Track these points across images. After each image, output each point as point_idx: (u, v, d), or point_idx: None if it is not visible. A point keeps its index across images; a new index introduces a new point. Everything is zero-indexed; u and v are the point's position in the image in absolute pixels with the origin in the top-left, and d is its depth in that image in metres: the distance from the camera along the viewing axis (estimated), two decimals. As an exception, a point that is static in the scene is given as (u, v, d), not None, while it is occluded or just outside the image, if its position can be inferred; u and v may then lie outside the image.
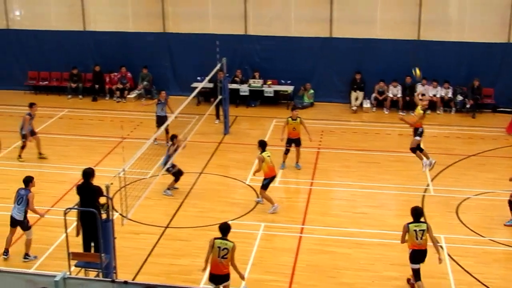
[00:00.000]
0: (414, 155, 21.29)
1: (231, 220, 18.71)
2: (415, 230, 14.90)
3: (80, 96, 31.36)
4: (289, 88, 30.02)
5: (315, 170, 22.69)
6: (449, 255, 17.08)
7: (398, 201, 20.74)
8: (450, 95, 28.90)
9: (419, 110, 20.82)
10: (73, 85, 31.40)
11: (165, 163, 20.16)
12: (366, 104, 29.50)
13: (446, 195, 20.64)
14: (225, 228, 14.39)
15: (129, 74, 31.38)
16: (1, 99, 31.14)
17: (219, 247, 14.09)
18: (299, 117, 22.65)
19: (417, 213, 15.06)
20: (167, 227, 18.59)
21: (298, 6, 30.11)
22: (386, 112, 28.99)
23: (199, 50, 30.47)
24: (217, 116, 27.31)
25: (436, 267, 15.59)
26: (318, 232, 18.32)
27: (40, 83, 32.28)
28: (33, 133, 23.35)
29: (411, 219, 15.04)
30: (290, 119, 22.56)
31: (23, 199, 16.86)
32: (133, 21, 31.68)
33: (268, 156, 19.43)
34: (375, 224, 18.64)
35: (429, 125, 26.53)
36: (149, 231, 18.31)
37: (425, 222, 15.11)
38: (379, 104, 29.41)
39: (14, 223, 16.99)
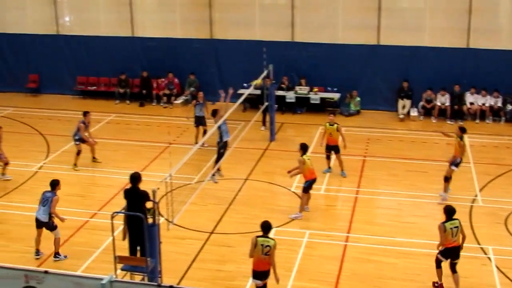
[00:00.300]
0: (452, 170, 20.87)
1: (276, 227, 18.71)
2: (451, 228, 15.30)
3: (128, 102, 31.65)
4: (335, 96, 29.92)
5: (360, 178, 22.56)
6: (497, 267, 16.84)
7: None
8: (499, 104, 28.51)
9: (457, 140, 20.63)
10: (121, 91, 31.71)
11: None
12: (414, 113, 29.25)
13: (494, 206, 20.36)
14: (266, 227, 14.78)
15: (176, 80, 31.57)
16: (51, 103, 31.63)
17: (262, 245, 14.48)
18: (336, 123, 22.55)
19: (450, 212, 15.47)
20: (212, 232, 18.64)
21: (346, 13, 30.02)
22: (434, 121, 28.70)
23: (246, 57, 30.53)
24: (263, 123, 27.35)
25: (484, 279, 15.41)
26: (363, 240, 18.21)
27: (89, 88, 32.65)
28: (83, 141, 23.49)
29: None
30: (327, 124, 22.54)
31: (48, 201, 17.12)
32: (181, 28, 31.90)
33: (309, 159, 19.48)
34: (422, 234, 18.44)
35: (478, 134, 26.29)
36: (194, 237, 18.37)
37: (457, 219, 15.48)
38: (427, 113, 29.13)
39: (39, 224, 17.27)
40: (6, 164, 22.55)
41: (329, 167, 22.84)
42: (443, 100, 28.74)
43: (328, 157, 22.83)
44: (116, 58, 32.34)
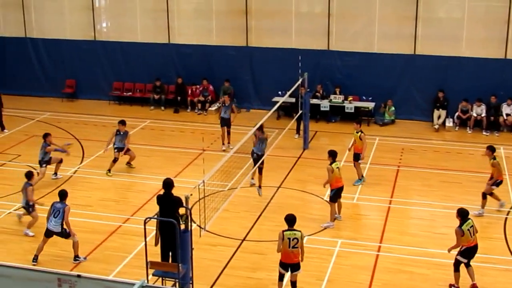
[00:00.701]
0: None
1: (307, 235, 18.70)
2: (468, 230, 15.80)
3: (162, 108, 31.83)
4: (370, 105, 29.81)
5: (394, 188, 22.44)
6: (531, 280, 16.68)
7: (480, 223, 20.27)
8: (538, 115, 28.26)
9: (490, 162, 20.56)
10: (156, 97, 31.89)
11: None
12: (449, 123, 29.04)
13: (529, 218, 20.16)
14: (291, 219, 15.45)
15: (211, 87, 31.68)
16: (87, 108, 31.93)
17: (289, 238, 15.09)
18: (361, 131, 22.43)
19: (464, 213, 15.99)
20: (244, 240, 18.66)
21: (382, 23, 29.90)
22: (469, 132, 28.46)
23: (281, 65, 30.58)
24: (297, 131, 27.35)
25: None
26: (395, 251, 18.11)
27: (124, 94, 32.89)
28: (121, 149, 23.74)
29: (492, 242, 14.92)
30: (355, 131, 22.55)
31: (60, 212, 17.22)
32: (216, 35, 32.01)
33: (337, 167, 19.43)
34: (455, 245, 18.30)
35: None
36: (226, 243, 18.41)
37: (469, 218, 16.03)
38: (462, 123, 28.90)
39: (49, 234, 17.43)
40: (60, 162, 22.92)
41: (362, 176, 22.82)
42: (479, 111, 28.49)
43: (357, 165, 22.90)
44: (152, 64, 32.56)
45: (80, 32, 33.38)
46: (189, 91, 31.81)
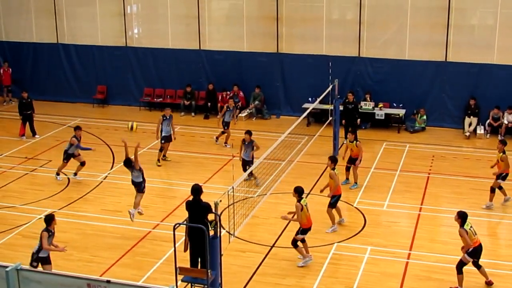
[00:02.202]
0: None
1: (337, 242, 18.67)
2: (470, 229, 16.16)
3: (193, 114, 31.95)
4: (401, 112, 29.67)
5: (424, 195, 22.32)
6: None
7: (511, 230, 20.18)
8: None
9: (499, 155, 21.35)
10: (187, 103, 32.02)
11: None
12: (480, 130, 28.83)
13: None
14: (301, 190, 17.46)
15: (241, 93, 31.75)
16: (117, 114, 32.15)
17: (305, 205, 17.39)
18: (356, 140, 22.87)
19: (464, 216, 16.24)
20: (273, 246, 18.66)
21: (414, 30, 29.78)
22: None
23: (311, 71, 30.61)
24: (346, 137, 27.54)
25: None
26: (425, 258, 18.01)
27: (155, 100, 33.07)
28: (169, 138, 25.14)
29: None
30: (348, 141, 23.07)
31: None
32: (247, 41, 32.08)
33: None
34: (485, 253, 17.97)
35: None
36: (255, 250, 18.42)
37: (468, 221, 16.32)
38: (494, 131, 28.69)
39: None
40: (82, 164, 23.13)
41: (348, 179, 23.20)
42: (510, 118, 28.27)
43: (348, 169, 23.20)
44: (183, 70, 32.72)
45: (112, 38, 33.65)
46: (220, 97, 31.90)
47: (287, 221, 18.53)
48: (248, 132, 22.65)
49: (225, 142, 27.06)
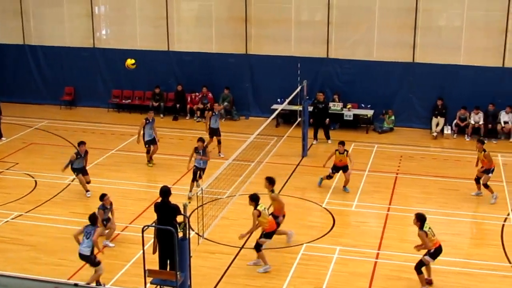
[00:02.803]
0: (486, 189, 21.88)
1: (306, 242, 18.71)
2: (429, 230, 16.19)
3: (162, 115, 31.83)
4: (369, 112, 29.83)
5: (392, 195, 22.45)
6: (529, 287, 16.71)
7: (478, 229, 20.40)
8: (534, 123, 28.31)
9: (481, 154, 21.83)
10: (155, 104, 31.89)
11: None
12: (447, 131, 29.09)
13: (527, 226, 20.19)
14: (257, 198, 17.09)
15: (210, 95, 31.70)
16: (85, 116, 31.94)
17: (263, 209, 17.14)
18: (346, 151, 22.53)
19: (423, 218, 16.22)
20: (242, 247, 18.62)
21: (382, 31, 29.97)
22: (467, 139, 28.49)
23: (280, 72, 30.68)
24: (315, 137, 28.03)
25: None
26: (394, 258, 18.10)
27: (123, 101, 32.91)
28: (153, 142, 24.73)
29: (490, 249, 14.98)
30: (337, 152, 22.49)
31: (91, 233, 16.28)
32: (216, 42, 32.06)
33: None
34: (453, 252, 18.28)
35: (510, 153, 26.14)
36: (224, 251, 18.39)
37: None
38: (461, 131, 28.95)
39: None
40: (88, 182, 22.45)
41: (322, 179, 23.00)
42: (476, 118, 28.54)
43: (330, 177, 22.79)
44: (151, 71, 32.56)
45: (79, 39, 33.45)
46: (189, 99, 31.84)
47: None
48: (201, 140, 22.19)
49: (219, 152, 26.01)
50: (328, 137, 27.98)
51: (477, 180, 22.04)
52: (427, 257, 16.28)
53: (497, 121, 28.53)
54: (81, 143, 22.19)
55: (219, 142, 25.87)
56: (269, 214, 17.74)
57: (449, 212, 21.09)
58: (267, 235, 17.38)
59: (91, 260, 16.30)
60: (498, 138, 28.41)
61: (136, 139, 24.73)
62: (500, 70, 28.78)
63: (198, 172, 22.01)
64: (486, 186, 21.71)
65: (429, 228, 16.22)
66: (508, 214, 20.90)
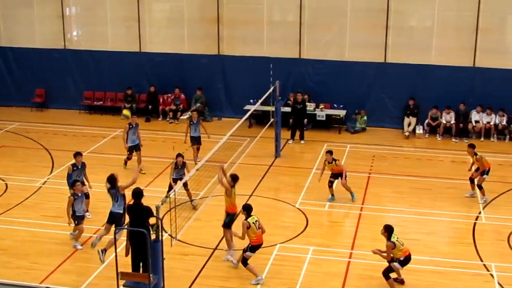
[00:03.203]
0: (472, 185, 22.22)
1: (280, 243, 18.71)
2: (397, 241, 16.33)
3: (134, 117, 31.60)
4: (342, 112, 29.91)
5: (365, 195, 22.51)
6: (499, 284, 16.80)
7: (450, 228, 20.50)
8: (504, 122, 28.47)
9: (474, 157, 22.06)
10: (127, 105, 31.71)
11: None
12: (419, 130, 29.25)
13: (498, 223, 20.33)
14: (249, 208, 16.93)
15: (182, 96, 31.62)
16: (57, 118, 31.68)
17: (253, 223, 16.65)
18: (334, 160, 21.61)
19: (391, 229, 16.37)
20: (216, 248, 18.58)
21: (354, 32, 30.08)
22: (439, 139, 28.70)
23: (253, 73, 30.67)
24: (292, 137, 28.16)
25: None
26: (367, 257, 18.13)
27: (95, 103, 32.71)
28: (136, 148, 24.19)
29: (462, 247, 15.10)
30: (326, 162, 21.80)
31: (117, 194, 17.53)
32: (188, 43, 31.99)
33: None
34: (426, 251, 18.39)
35: (483, 152, 26.09)
36: (197, 253, 18.32)
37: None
38: (432, 130, 29.13)
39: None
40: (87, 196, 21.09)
41: (333, 195, 21.95)
42: (448, 118, 28.73)
43: (331, 185, 21.93)
44: (123, 73, 32.44)
45: (50, 41, 33.19)
46: (161, 100, 31.73)
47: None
48: (181, 155, 21.33)
49: (196, 157, 24.53)
50: (302, 138, 28.03)
51: (472, 180, 22.13)
52: (396, 264, 16.33)
53: (468, 120, 28.74)
54: (77, 154, 20.82)
55: (197, 149, 24.88)
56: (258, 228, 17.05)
57: (422, 211, 21.20)
58: (252, 248, 16.86)
59: (123, 218, 17.28)
60: (469, 137, 28.60)
61: (124, 145, 23.96)
62: (471, 69, 29.00)
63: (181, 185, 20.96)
64: (479, 187, 21.80)
65: (397, 239, 16.34)
66: (480, 213, 21.06)
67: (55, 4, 32.63)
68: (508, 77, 28.63)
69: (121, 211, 17.40)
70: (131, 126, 24.01)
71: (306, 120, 28.11)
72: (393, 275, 16.45)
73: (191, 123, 24.94)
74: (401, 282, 16.69)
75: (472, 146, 22.09)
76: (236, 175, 18.20)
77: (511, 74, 28.63)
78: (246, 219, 16.86)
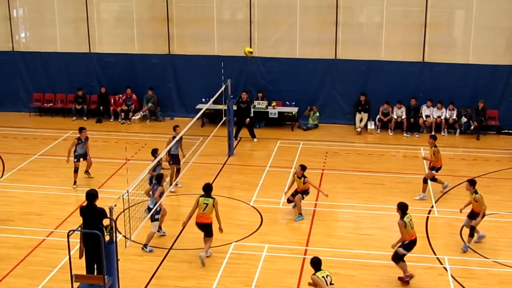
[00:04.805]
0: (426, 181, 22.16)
1: (235, 241, 18.71)
2: (409, 221, 16.28)
3: (85, 118, 31.39)
4: (294, 110, 30.03)
5: (319, 191, 22.59)
6: (453, 276, 17.01)
7: (416, 223, 20.70)
8: (454, 116, 28.88)
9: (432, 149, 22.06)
10: (78, 107, 31.43)
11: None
12: (371, 126, 29.50)
13: (450, 217, 20.58)
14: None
15: (134, 96, 31.43)
16: (6, 121, 31.23)
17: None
18: (304, 176, 20.51)
19: (404, 207, 16.39)
20: (170, 248, 18.53)
21: (304, 29, 30.22)
22: (391, 134, 29.00)
23: (204, 72, 30.63)
24: (254, 136, 28.28)
25: (441, 289, 15.56)
26: (322, 253, 18.12)
27: (45, 105, 32.34)
28: (85, 156, 23.44)
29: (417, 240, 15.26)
30: (296, 176, 20.79)
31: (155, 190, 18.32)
32: (138, 43, 31.80)
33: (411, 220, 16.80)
34: (380, 245, 18.52)
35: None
36: (152, 253, 18.25)
37: (408, 213, 16.46)
38: (384, 126, 29.42)
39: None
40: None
41: (300, 214, 20.68)
42: (399, 113, 29.04)
43: (289, 202, 20.99)
44: (73, 74, 32.12)
45: (-2, 43, 32.76)
46: (112, 101, 31.50)
47: (185, 222, 18.02)
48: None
49: (175, 180, 22.34)
50: (253, 136, 28.08)
51: (425, 180, 22.00)
52: (401, 249, 16.40)
53: (419, 115, 29.06)
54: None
55: (177, 171, 22.54)
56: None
57: (374, 206, 21.39)
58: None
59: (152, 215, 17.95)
60: (420, 132, 28.95)
61: (67, 159, 23.16)
62: (420, 64, 29.35)
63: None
64: (433, 179, 22.02)
65: (410, 219, 16.38)
66: (432, 207, 21.31)
67: (1, 6, 32.18)
68: (456, 71, 29.07)
69: (152, 206, 18.31)
70: (80, 141, 23.09)
71: (248, 119, 28.06)
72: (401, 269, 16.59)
73: (173, 138, 21.83)
74: (408, 281, 16.60)
75: (433, 137, 22.15)
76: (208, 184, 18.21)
77: (459, 68, 29.07)
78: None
